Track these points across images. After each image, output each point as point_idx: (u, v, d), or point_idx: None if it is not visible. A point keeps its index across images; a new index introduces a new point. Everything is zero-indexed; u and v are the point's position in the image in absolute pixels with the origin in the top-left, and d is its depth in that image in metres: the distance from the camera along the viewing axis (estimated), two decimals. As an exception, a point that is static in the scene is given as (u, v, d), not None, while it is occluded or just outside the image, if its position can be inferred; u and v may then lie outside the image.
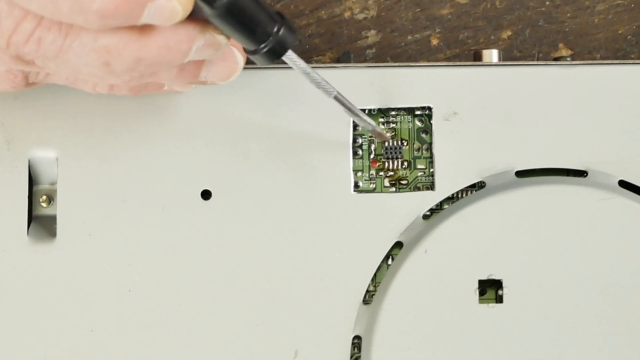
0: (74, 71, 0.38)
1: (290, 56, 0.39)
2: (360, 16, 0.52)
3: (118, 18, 0.35)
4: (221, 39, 0.38)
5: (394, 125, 0.45)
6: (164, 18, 0.36)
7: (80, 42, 0.36)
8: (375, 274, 0.44)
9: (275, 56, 0.39)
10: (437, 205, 0.45)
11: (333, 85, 0.41)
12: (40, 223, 0.44)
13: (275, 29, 0.38)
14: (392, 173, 0.45)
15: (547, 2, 0.52)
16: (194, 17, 0.37)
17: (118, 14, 0.35)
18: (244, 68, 0.41)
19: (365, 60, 0.51)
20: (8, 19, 0.36)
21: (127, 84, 0.40)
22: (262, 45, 0.38)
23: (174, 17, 0.36)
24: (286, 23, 0.38)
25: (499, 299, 0.44)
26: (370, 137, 0.45)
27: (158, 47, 0.37)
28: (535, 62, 0.45)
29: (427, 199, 0.44)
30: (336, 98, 0.42)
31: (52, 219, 0.44)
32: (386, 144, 0.45)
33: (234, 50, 0.40)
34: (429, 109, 0.45)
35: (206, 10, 0.36)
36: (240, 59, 0.41)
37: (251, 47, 0.38)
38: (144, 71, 0.38)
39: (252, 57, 0.39)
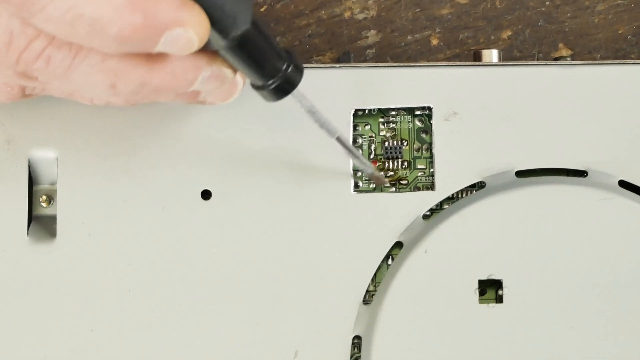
0: (77, 90, 0.38)
1: (296, 95, 0.39)
2: (360, 16, 0.52)
3: (134, 44, 0.35)
4: (227, 72, 0.38)
5: (394, 125, 0.45)
6: (179, 47, 0.36)
7: (89, 62, 0.37)
8: (375, 274, 0.44)
9: (282, 93, 0.39)
10: (437, 205, 0.45)
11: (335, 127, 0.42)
12: (40, 223, 0.44)
13: (284, 66, 0.38)
14: (392, 173, 0.45)
15: (547, 2, 0.52)
16: (204, 48, 0.37)
17: (135, 40, 0.35)
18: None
19: (365, 60, 0.51)
20: (20, 37, 0.36)
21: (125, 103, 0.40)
22: (271, 82, 0.38)
23: (189, 47, 0.36)
24: (294, 61, 0.38)
25: (499, 299, 0.44)
26: (370, 137, 0.45)
27: (164, 74, 0.37)
28: (535, 62, 0.45)
29: (427, 199, 0.44)
30: (338, 139, 0.42)
31: (52, 219, 0.44)
32: (386, 143, 0.45)
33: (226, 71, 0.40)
34: (429, 109, 0.45)
35: (219, 42, 0.36)
36: (240, 82, 0.41)
37: (259, 83, 0.38)
38: (147, 95, 0.38)
39: (258, 93, 0.39)
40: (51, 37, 0.36)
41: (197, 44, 0.36)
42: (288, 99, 0.39)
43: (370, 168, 0.44)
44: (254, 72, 0.38)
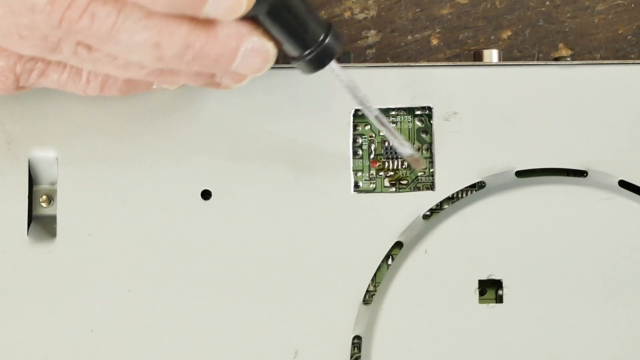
0: (121, 55, 0.37)
1: (333, 67, 0.39)
2: (360, 16, 0.52)
3: (183, 1, 0.35)
4: (270, 46, 0.38)
5: (394, 125, 0.45)
6: (227, 9, 0.35)
7: (134, 18, 0.36)
8: (375, 274, 0.44)
9: (319, 64, 0.38)
10: (437, 205, 0.45)
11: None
12: (40, 223, 0.44)
13: (323, 36, 0.38)
14: (392, 173, 0.45)
15: (547, 2, 0.52)
16: (245, 17, 0.37)
17: None
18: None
19: (365, 60, 0.51)
20: None
21: (146, 77, 0.39)
22: (308, 52, 0.38)
23: (237, 9, 0.35)
24: (334, 31, 0.38)
25: (499, 299, 0.44)
26: (370, 137, 0.45)
27: (208, 37, 0.36)
28: (535, 62, 0.45)
29: (427, 199, 0.44)
30: (377, 118, 0.41)
31: (52, 219, 0.44)
32: (386, 143, 0.45)
33: (268, 45, 0.40)
34: (429, 109, 0.45)
35: (261, 7, 0.36)
36: (274, 51, 0.40)
37: (296, 52, 0.38)
38: (190, 62, 0.37)
39: (295, 64, 0.39)
40: None
41: (245, 5, 0.35)
42: (326, 72, 0.39)
43: (408, 149, 0.43)
44: (292, 40, 0.38)
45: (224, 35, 0.37)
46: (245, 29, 0.37)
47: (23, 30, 0.36)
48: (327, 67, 0.39)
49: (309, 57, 0.38)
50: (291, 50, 0.38)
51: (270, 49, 0.38)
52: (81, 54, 0.38)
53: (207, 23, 0.37)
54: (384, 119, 0.42)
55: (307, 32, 0.37)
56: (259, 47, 0.38)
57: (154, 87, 0.42)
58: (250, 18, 0.37)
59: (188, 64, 0.37)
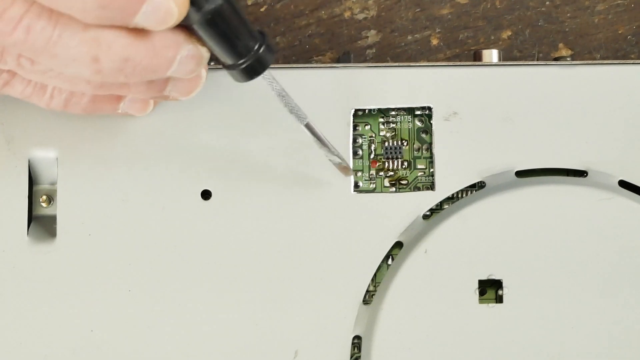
0: (59, 69, 0.37)
1: (267, 76, 0.39)
2: (360, 16, 0.52)
3: (115, 10, 0.35)
4: (204, 51, 0.38)
5: (394, 125, 0.45)
6: (159, 18, 0.36)
7: (70, 32, 0.36)
8: (375, 274, 0.44)
9: (253, 73, 0.39)
10: (437, 205, 0.45)
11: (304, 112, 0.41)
12: (40, 223, 0.44)
13: (257, 46, 0.38)
14: (392, 173, 0.45)
15: (547, 2, 0.52)
16: (180, 25, 0.37)
17: (115, 6, 0.35)
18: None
19: (365, 60, 0.51)
20: None
21: (94, 91, 0.39)
22: (242, 61, 0.38)
23: (169, 19, 0.36)
24: (267, 41, 0.38)
25: (499, 299, 0.44)
26: (370, 137, 0.45)
27: (146, 49, 0.37)
28: (535, 62, 0.45)
29: (427, 199, 0.44)
30: (307, 126, 0.42)
31: (52, 219, 0.44)
32: (386, 143, 0.45)
33: (202, 50, 0.40)
34: (429, 109, 0.45)
35: (194, 16, 0.36)
36: (204, 75, 0.41)
37: (230, 61, 0.38)
38: (129, 75, 0.37)
39: (229, 73, 0.39)
40: (29, 3, 0.35)
41: (176, 15, 0.36)
42: (259, 81, 0.39)
43: (337, 157, 0.43)
44: (226, 50, 0.38)
45: (161, 45, 0.37)
46: (181, 37, 0.37)
47: None
48: (260, 76, 0.39)
49: (242, 67, 0.38)
50: (225, 58, 0.38)
51: (204, 54, 0.38)
52: (25, 65, 0.38)
53: (144, 34, 0.36)
54: (314, 128, 0.42)
55: (241, 42, 0.38)
56: (194, 53, 0.38)
57: (119, 111, 0.42)
58: (184, 26, 0.37)
59: (127, 77, 0.37)
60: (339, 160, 0.43)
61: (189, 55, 0.38)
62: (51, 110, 0.41)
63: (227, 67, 0.39)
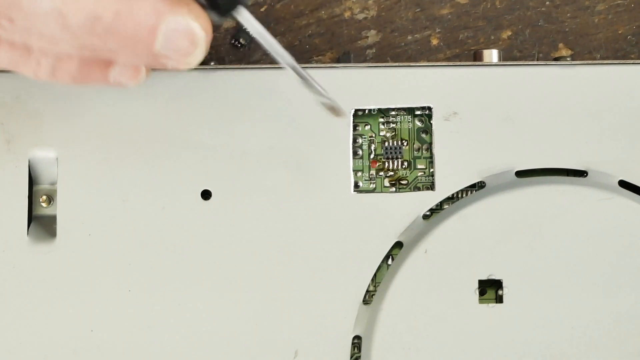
0: (34, 27, 0.36)
1: (243, 15, 0.38)
2: (360, 16, 0.52)
3: None
4: (195, 27, 0.36)
5: (394, 125, 0.45)
6: None
7: None
8: (375, 274, 0.44)
9: (229, 7, 0.37)
10: (437, 205, 0.45)
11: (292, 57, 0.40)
12: (40, 223, 0.44)
13: None
14: (392, 173, 0.45)
15: (547, 2, 0.52)
16: None
17: None
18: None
19: (365, 60, 0.51)
20: None
21: (79, 55, 0.38)
22: None
23: None
24: None
25: (499, 299, 0.44)
26: (370, 137, 0.45)
27: (117, 9, 0.35)
28: (535, 62, 0.45)
29: (427, 199, 0.44)
30: (292, 67, 0.40)
31: (52, 219, 0.44)
32: (386, 144, 0.45)
33: (193, 25, 0.38)
34: (429, 109, 0.45)
35: None
36: (201, 34, 0.38)
37: None
38: (104, 37, 0.36)
39: (208, 13, 0.37)
40: None
41: None
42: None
43: (326, 98, 0.42)
44: None
45: (137, 9, 0.35)
46: (164, 6, 0.36)
47: None
48: (238, 16, 0.38)
49: (218, 1, 0.37)
50: None
51: (197, 31, 0.37)
52: (5, 25, 0.37)
53: None
54: (299, 69, 0.40)
55: None
56: (183, 27, 0.36)
57: (111, 80, 0.40)
58: None
59: (101, 38, 0.36)
60: (329, 101, 0.42)
61: (178, 29, 0.36)
62: (41, 81, 0.40)
63: (203, 5, 0.37)
